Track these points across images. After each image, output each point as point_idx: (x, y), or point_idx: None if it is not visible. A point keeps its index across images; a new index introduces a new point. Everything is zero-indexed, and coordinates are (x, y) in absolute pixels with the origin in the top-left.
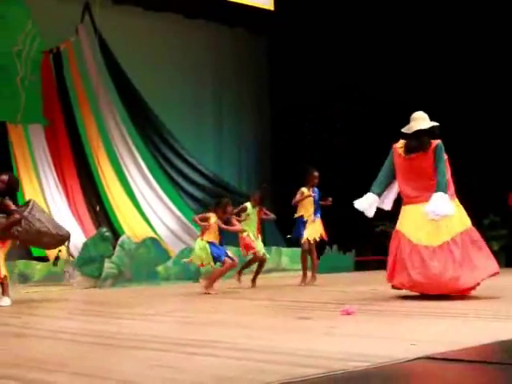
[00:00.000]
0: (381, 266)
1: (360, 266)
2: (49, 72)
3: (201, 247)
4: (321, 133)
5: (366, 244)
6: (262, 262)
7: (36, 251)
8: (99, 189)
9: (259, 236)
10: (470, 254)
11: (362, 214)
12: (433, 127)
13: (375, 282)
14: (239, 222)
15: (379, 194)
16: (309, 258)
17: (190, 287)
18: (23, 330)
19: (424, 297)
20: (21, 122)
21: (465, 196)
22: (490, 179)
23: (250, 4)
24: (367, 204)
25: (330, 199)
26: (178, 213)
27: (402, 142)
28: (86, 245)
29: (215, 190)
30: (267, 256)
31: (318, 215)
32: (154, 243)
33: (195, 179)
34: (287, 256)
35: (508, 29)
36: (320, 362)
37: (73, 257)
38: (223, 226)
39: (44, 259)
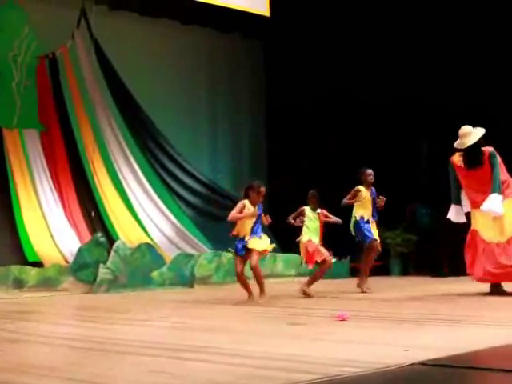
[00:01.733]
0: (376, 272)
1: (355, 273)
2: (44, 77)
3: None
4: (317, 137)
5: (361, 250)
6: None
7: (31, 256)
8: (94, 194)
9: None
10: None
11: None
12: (480, 138)
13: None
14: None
15: (459, 203)
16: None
17: (185, 293)
18: (17, 335)
19: (418, 303)
20: (16, 127)
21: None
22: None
23: (245, 10)
24: (454, 214)
25: (383, 198)
26: (173, 218)
27: (458, 155)
28: (80, 250)
29: (210, 196)
30: (331, 262)
31: (376, 217)
32: (149, 249)
33: (190, 185)
34: (282, 262)
35: (505, 34)
36: (313, 367)
37: (67, 262)
38: (238, 215)
39: (39, 264)
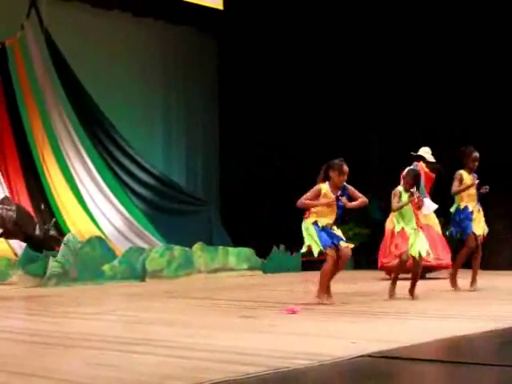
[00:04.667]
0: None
1: (307, 267)
2: None
3: (305, 229)
4: (269, 133)
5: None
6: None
7: None
8: (45, 187)
9: (420, 230)
10: None
11: None
12: None
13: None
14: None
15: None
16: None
17: (136, 286)
18: None
19: (368, 297)
20: None
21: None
22: None
23: (198, 3)
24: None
25: (487, 187)
26: (125, 212)
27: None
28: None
29: (163, 190)
30: (429, 256)
31: (479, 205)
32: (100, 242)
33: (143, 178)
34: (234, 256)
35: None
36: (261, 360)
37: (16, 255)
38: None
39: None
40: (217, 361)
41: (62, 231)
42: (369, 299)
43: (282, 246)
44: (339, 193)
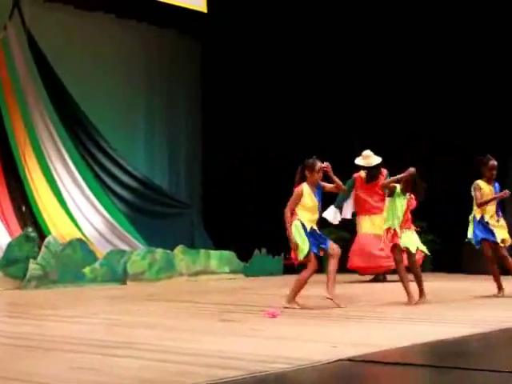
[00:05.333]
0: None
1: (289, 270)
2: None
3: (295, 226)
4: (252, 136)
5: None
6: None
7: None
8: (25, 188)
9: (405, 230)
10: None
11: None
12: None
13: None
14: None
15: (339, 208)
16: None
17: (117, 289)
18: None
19: (347, 300)
20: None
21: None
22: None
23: (181, 5)
24: (332, 215)
25: (508, 192)
26: (106, 214)
27: (362, 172)
28: (10, 245)
29: (145, 192)
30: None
31: (501, 214)
32: (81, 244)
33: (124, 180)
34: (215, 259)
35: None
36: (241, 364)
37: None
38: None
39: None
40: (198, 364)
41: (43, 233)
42: (349, 302)
43: (263, 250)
44: (316, 191)
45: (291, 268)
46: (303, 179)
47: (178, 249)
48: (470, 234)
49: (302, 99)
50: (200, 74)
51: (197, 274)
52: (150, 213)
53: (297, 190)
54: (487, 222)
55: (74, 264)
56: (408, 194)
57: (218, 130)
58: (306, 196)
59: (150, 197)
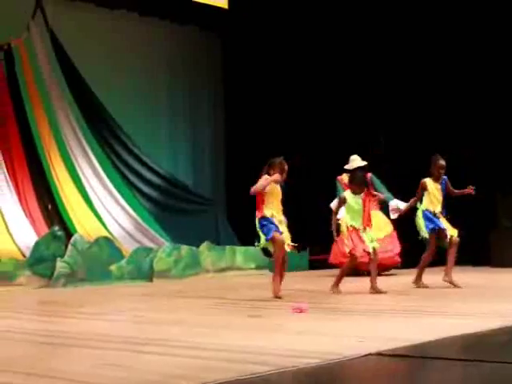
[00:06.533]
0: (335, 264)
1: (314, 265)
2: (0, 69)
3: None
4: (276, 132)
5: (320, 243)
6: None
7: None
8: (51, 187)
9: (368, 228)
10: None
11: (316, 213)
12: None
13: (329, 281)
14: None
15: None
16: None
17: (144, 287)
18: None
19: (374, 294)
20: None
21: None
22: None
23: (203, 2)
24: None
25: (472, 187)
26: (132, 212)
27: (345, 175)
28: (37, 244)
29: (169, 189)
30: (376, 256)
31: (445, 213)
32: (107, 242)
33: (149, 178)
34: (241, 255)
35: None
36: (269, 359)
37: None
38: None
39: None
40: (227, 360)
41: (69, 232)
42: (375, 296)
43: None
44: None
45: (317, 263)
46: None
47: (204, 245)
48: (423, 231)
49: (325, 95)
50: (222, 71)
51: (222, 270)
52: (174, 210)
53: None
54: (434, 213)
55: (101, 262)
56: (362, 193)
57: (241, 126)
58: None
59: (174, 194)
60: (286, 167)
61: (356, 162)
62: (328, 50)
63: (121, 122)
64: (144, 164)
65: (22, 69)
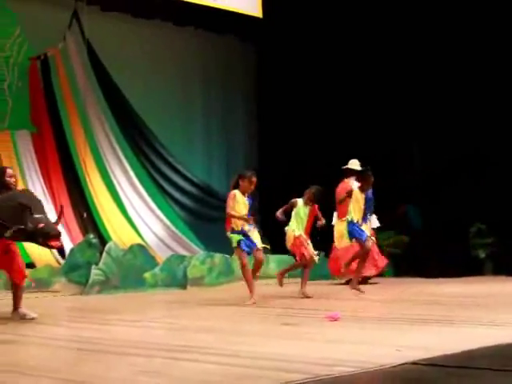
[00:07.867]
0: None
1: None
2: (36, 78)
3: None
4: (309, 139)
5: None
6: (307, 266)
7: (23, 257)
8: (86, 195)
9: (308, 238)
10: None
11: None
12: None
13: (338, 289)
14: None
15: None
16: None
17: (177, 294)
18: (12, 336)
19: (409, 303)
20: (8, 128)
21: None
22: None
23: (238, 11)
24: None
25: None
26: (166, 220)
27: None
28: (72, 251)
29: (203, 198)
30: (316, 260)
31: (366, 220)
32: (141, 250)
33: (183, 186)
34: (274, 263)
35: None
36: (304, 367)
37: (59, 263)
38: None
39: (31, 265)
40: (262, 368)
41: (104, 240)
42: (411, 305)
43: (321, 253)
44: (247, 199)
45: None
46: (236, 186)
47: None
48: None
49: (359, 102)
50: (256, 79)
51: (256, 278)
52: (207, 218)
53: (231, 194)
54: (357, 222)
55: (135, 269)
56: (310, 206)
57: (274, 135)
58: (238, 199)
59: (207, 202)
60: (255, 179)
61: (353, 165)
62: (362, 57)
63: (156, 130)
64: (178, 172)
65: (58, 78)
